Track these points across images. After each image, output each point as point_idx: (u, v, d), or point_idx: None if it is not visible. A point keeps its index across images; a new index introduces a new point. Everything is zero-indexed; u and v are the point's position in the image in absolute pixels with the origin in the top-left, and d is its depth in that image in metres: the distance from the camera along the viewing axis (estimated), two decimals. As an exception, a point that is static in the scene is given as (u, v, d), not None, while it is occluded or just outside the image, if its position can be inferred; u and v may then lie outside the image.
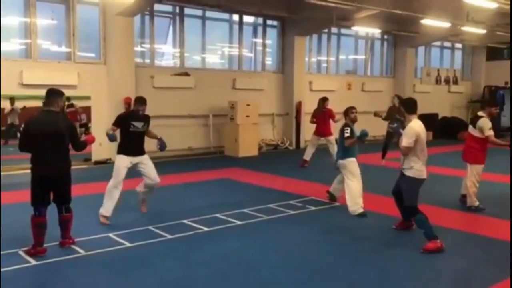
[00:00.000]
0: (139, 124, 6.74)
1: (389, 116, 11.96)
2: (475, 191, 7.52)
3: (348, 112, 7.50)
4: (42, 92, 11.63)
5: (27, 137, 5.32)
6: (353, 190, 7.11)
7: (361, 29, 16.88)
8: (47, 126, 5.28)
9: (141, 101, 6.81)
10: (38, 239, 5.29)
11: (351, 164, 7.22)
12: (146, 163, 6.80)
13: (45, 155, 5.27)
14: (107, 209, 6.62)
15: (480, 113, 7.52)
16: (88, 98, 12.44)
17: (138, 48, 13.36)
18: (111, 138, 6.74)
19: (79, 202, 7.38)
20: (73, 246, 5.65)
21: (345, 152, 7.26)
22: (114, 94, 12.02)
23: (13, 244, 5.57)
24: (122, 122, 6.78)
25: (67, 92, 12.07)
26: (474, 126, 7.41)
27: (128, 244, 5.80)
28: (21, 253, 5.37)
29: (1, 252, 5.28)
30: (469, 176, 7.49)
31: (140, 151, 6.79)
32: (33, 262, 5.17)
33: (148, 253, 5.53)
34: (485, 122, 7.29)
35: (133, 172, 6.83)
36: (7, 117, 16.48)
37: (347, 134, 7.13)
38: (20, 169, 10.22)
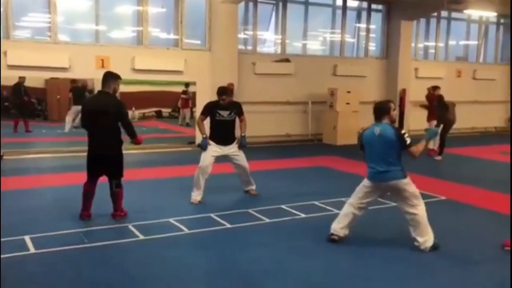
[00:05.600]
0: (224, 113, 6.95)
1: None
2: None
3: (390, 108, 5.47)
4: (152, 77, 12.43)
5: (83, 114, 6.16)
6: (424, 217, 5.16)
7: (474, 13, 15.71)
8: (95, 104, 5.96)
9: (220, 92, 6.96)
10: (84, 204, 5.98)
11: (412, 183, 5.22)
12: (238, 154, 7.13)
13: (94, 135, 5.88)
14: (195, 197, 6.92)
15: None
16: (194, 83, 12.98)
17: (241, 35, 13.60)
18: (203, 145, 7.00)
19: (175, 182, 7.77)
20: (176, 223, 5.93)
21: (403, 166, 5.18)
22: (217, 80, 12.29)
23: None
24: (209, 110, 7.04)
25: (174, 78, 12.88)
26: None
27: (228, 225, 5.99)
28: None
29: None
30: None
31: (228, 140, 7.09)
32: (137, 237, 5.50)
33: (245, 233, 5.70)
34: None
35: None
36: None
37: (409, 140, 5.08)
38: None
